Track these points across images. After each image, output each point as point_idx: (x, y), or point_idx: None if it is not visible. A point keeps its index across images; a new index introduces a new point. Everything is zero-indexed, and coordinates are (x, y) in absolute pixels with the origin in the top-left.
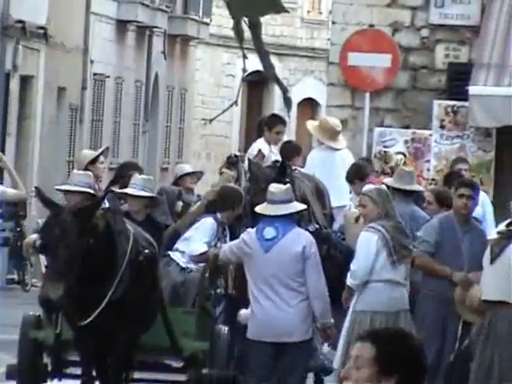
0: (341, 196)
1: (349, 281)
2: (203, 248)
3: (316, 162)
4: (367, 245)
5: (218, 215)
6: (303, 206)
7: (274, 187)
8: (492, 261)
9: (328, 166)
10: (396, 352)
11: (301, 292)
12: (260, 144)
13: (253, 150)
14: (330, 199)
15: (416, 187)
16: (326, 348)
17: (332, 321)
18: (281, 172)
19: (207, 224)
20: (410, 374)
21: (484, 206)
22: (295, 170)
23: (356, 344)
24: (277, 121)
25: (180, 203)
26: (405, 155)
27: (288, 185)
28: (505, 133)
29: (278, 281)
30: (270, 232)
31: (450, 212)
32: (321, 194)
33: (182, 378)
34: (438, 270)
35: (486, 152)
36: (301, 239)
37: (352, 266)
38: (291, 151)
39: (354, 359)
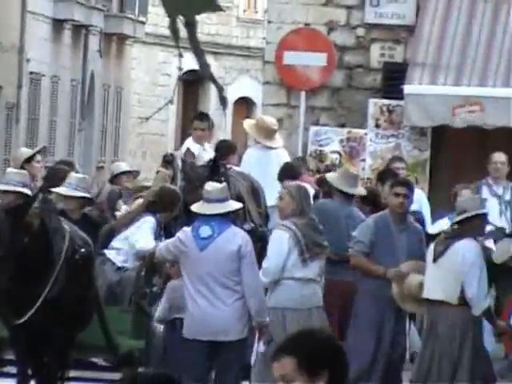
0: (276, 195)
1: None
2: (152, 244)
3: (252, 160)
4: (279, 243)
5: (157, 215)
6: (239, 205)
7: (210, 186)
8: (435, 260)
9: (264, 164)
10: (314, 353)
11: (236, 291)
12: (188, 143)
13: (182, 149)
14: (266, 198)
15: (359, 191)
16: (261, 347)
17: (267, 319)
18: (213, 170)
19: (150, 223)
20: (336, 365)
21: (421, 204)
22: (230, 168)
23: (274, 364)
24: (195, 118)
25: (121, 202)
26: (340, 154)
27: (224, 184)
28: (440, 132)
29: (213, 279)
30: (205, 231)
31: (385, 211)
32: (256, 192)
33: (117, 376)
34: (373, 270)
35: (421, 151)
36: (236, 238)
37: (264, 264)
38: (226, 150)
39: (282, 378)
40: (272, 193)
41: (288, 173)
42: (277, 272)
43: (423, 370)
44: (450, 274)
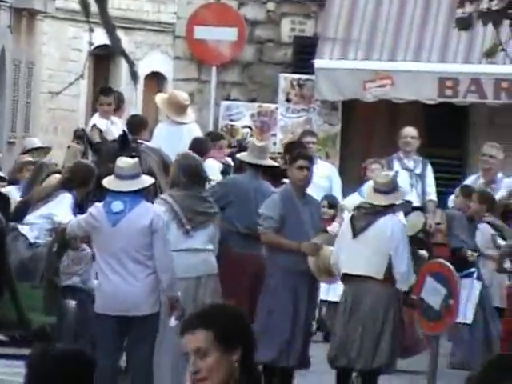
0: None
1: None
2: (70, 218)
3: (163, 135)
4: None
5: (74, 192)
6: (151, 181)
7: (122, 162)
8: (355, 235)
9: (175, 139)
10: (230, 327)
11: (148, 265)
12: (95, 119)
13: (89, 125)
14: None
15: (267, 162)
16: (173, 321)
17: (179, 294)
18: (123, 145)
19: (69, 199)
20: (249, 341)
21: (331, 179)
22: (141, 143)
23: (187, 336)
24: (100, 93)
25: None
26: (251, 129)
27: (136, 159)
28: (350, 106)
29: (125, 254)
30: (117, 206)
31: (287, 185)
32: (167, 167)
33: (28, 351)
34: (285, 245)
35: (331, 125)
36: (148, 213)
37: None
38: (137, 125)
39: (196, 351)
40: None
41: (195, 148)
42: None
43: (344, 345)
44: (375, 250)
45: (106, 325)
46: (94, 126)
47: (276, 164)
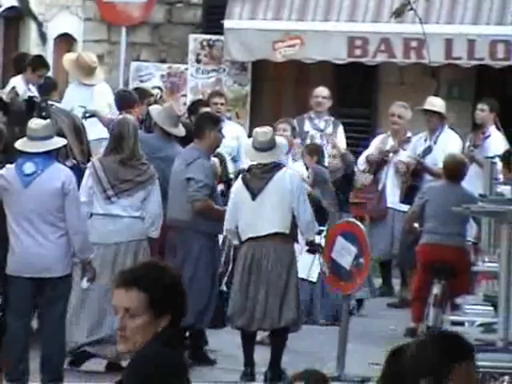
0: (101, 129)
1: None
2: None
3: (73, 97)
4: (83, 180)
5: None
6: (63, 142)
7: (34, 123)
8: (254, 197)
9: (86, 101)
10: (164, 290)
11: (61, 227)
12: (16, 81)
13: (7, 86)
14: (88, 133)
15: (178, 132)
16: (84, 283)
17: (92, 255)
18: (30, 106)
19: None
20: (179, 309)
21: (239, 139)
22: (52, 105)
23: (120, 292)
24: (41, 64)
25: None
26: (161, 89)
27: (48, 120)
28: (260, 66)
29: (37, 216)
30: (29, 167)
31: (199, 148)
32: (78, 129)
33: None
34: (221, 211)
35: (241, 86)
36: (60, 175)
37: None
38: (47, 86)
39: (125, 310)
40: (92, 127)
41: (118, 101)
42: (84, 206)
43: (242, 306)
44: (278, 205)
45: (18, 287)
46: (13, 88)
47: (183, 134)
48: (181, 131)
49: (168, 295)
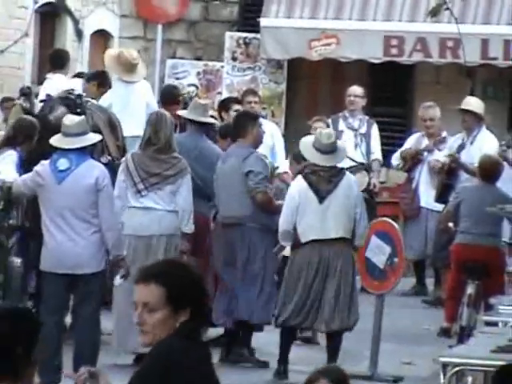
0: (137, 126)
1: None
2: (15, 176)
3: (114, 94)
4: (118, 174)
5: (18, 149)
6: (98, 137)
7: (69, 120)
8: (322, 200)
9: (126, 98)
10: (184, 286)
11: (94, 224)
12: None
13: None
14: (124, 130)
15: (208, 119)
16: (118, 280)
17: (125, 253)
18: (67, 103)
19: (13, 156)
20: (199, 304)
21: (273, 137)
22: (88, 101)
23: (139, 287)
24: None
25: None
26: (197, 87)
27: (82, 117)
28: (296, 65)
29: (71, 212)
30: (63, 163)
31: (247, 145)
32: (113, 125)
33: None
34: (278, 205)
35: (277, 84)
36: (94, 171)
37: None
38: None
39: (144, 304)
40: (132, 124)
41: (171, 97)
42: (119, 200)
43: (300, 306)
44: (344, 210)
45: (52, 283)
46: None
47: (213, 121)
48: (209, 119)
49: (187, 290)
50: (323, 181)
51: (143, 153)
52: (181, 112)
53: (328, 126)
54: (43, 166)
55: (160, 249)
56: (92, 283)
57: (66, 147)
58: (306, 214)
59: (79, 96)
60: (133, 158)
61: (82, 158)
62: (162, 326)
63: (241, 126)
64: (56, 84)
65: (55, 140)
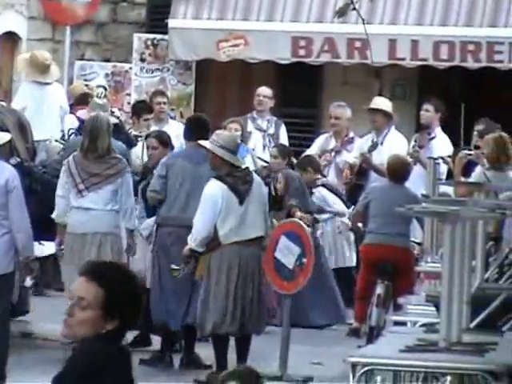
0: (47, 130)
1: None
2: None
3: (27, 96)
4: (60, 175)
5: None
6: (7, 137)
7: None
8: (242, 201)
9: (39, 99)
10: (122, 297)
11: (4, 225)
12: None
13: None
14: (33, 133)
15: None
16: (28, 281)
17: (34, 255)
18: None
19: None
20: (130, 318)
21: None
22: None
23: (81, 280)
24: None
25: None
26: (105, 88)
27: None
28: (205, 66)
29: None
30: None
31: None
32: (24, 127)
33: None
34: None
35: (185, 85)
36: (4, 172)
37: None
38: None
39: (79, 299)
40: (43, 128)
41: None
42: (61, 200)
43: (229, 313)
44: (260, 209)
45: None
46: None
47: (115, 121)
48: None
49: (124, 302)
50: (240, 182)
51: (83, 154)
52: (80, 113)
53: (242, 128)
54: None
55: (94, 246)
56: (1, 284)
57: None
58: (228, 217)
59: None
60: (74, 159)
61: None
62: (88, 325)
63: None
64: None
65: None
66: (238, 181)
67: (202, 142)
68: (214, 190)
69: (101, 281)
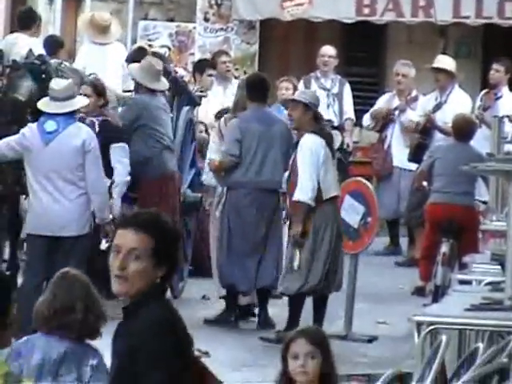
0: (115, 84)
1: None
2: None
3: (87, 56)
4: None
5: None
6: (86, 101)
7: (56, 84)
8: (333, 157)
9: (99, 60)
10: (169, 243)
11: (80, 186)
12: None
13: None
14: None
15: (159, 86)
16: (104, 244)
17: (110, 216)
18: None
19: None
20: (175, 263)
21: None
22: (61, 64)
23: (127, 232)
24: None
25: None
26: (169, 48)
27: (70, 80)
28: (268, 25)
29: (57, 174)
30: (50, 125)
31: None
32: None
33: None
34: None
35: (249, 44)
36: (81, 133)
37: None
38: (54, 45)
39: (131, 250)
40: (110, 84)
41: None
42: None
43: (327, 273)
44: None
45: (36, 245)
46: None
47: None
48: (163, 85)
49: (171, 248)
50: (330, 138)
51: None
52: (132, 70)
53: (295, 86)
54: (30, 127)
55: None
56: (75, 246)
57: (54, 112)
58: (328, 171)
59: (44, 62)
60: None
61: (69, 121)
62: (143, 276)
63: (267, 89)
64: (22, 45)
65: (43, 104)
66: (329, 137)
67: (297, 98)
68: (316, 143)
69: (149, 230)
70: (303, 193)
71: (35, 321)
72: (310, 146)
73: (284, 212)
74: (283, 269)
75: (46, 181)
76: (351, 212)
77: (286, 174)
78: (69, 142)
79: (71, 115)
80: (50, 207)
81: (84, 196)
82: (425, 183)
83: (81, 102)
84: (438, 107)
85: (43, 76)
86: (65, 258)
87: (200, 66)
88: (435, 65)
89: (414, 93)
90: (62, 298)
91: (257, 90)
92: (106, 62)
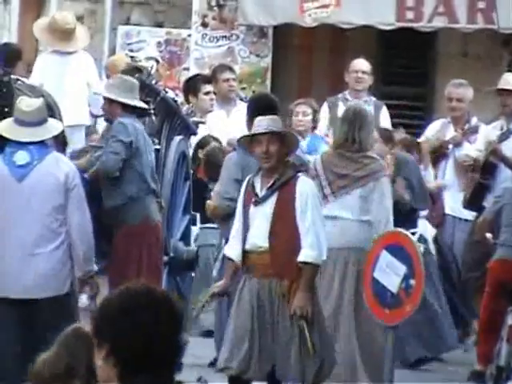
0: (68, 114)
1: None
2: None
3: (45, 69)
4: None
5: None
6: (60, 127)
7: (25, 105)
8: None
9: (60, 73)
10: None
11: (60, 233)
12: None
13: None
14: (62, 115)
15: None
16: (84, 301)
17: (95, 268)
18: None
19: None
20: (120, 341)
21: None
22: (17, 79)
23: None
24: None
25: None
26: (157, 61)
27: (41, 100)
28: (284, 32)
29: (32, 218)
30: (22, 157)
31: None
32: (49, 109)
33: None
34: None
35: (259, 57)
36: (62, 166)
37: None
38: (10, 55)
39: None
40: (67, 111)
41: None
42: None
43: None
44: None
45: (3, 311)
46: None
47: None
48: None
49: (103, 323)
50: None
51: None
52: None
53: (315, 110)
54: None
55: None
56: (56, 308)
57: (27, 140)
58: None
59: (7, 73)
60: (322, 158)
61: (44, 150)
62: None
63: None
64: None
65: (8, 131)
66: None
67: None
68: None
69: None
70: (316, 255)
71: (33, 379)
72: (313, 191)
73: None
74: None
75: (17, 228)
76: (389, 272)
77: None
78: (47, 178)
79: (45, 143)
80: (22, 261)
81: (64, 245)
82: (488, 235)
83: (55, 127)
84: (504, 137)
85: (4, 90)
86: (42, 325)
87: (194, 84)
88: (501, 86)
89: (473, 121)
90: (66, 361)
91: (260, 115)
92: (66, 78)
